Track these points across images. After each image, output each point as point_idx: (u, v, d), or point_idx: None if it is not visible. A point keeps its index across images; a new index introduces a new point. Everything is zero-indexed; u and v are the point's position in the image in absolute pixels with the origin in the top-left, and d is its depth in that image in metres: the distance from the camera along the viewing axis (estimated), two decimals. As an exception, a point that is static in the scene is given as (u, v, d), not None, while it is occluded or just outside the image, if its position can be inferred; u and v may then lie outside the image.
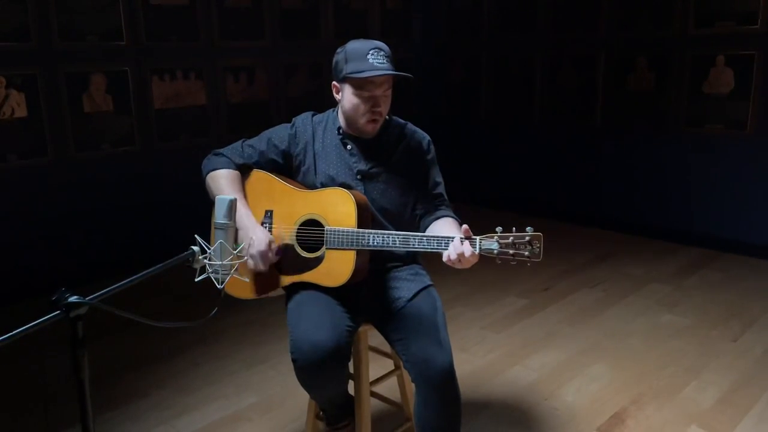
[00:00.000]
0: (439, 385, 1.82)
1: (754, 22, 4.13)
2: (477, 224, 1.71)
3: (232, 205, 1.45)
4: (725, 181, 4.44)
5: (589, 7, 4.88)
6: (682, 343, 3.17)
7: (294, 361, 1.81)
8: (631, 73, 4.77)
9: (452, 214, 2.01)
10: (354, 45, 1.89)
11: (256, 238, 1.85)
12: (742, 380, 2.80)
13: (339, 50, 1.92)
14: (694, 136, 4.53)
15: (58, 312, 1.17)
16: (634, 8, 4.67)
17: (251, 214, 1.93)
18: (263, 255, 1.85)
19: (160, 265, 1.36)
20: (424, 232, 1.97)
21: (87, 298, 1.19)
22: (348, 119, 1.95)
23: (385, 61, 1.84)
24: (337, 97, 1.96)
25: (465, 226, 1.71)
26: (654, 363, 2.98)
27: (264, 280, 1.97)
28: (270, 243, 1.87)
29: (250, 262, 1.87)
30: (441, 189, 2.08)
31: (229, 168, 1.99)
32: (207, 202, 1.99)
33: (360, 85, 1.86)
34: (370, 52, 1.84)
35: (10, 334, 1.10)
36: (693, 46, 4.42)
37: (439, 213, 2.00)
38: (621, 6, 4.72)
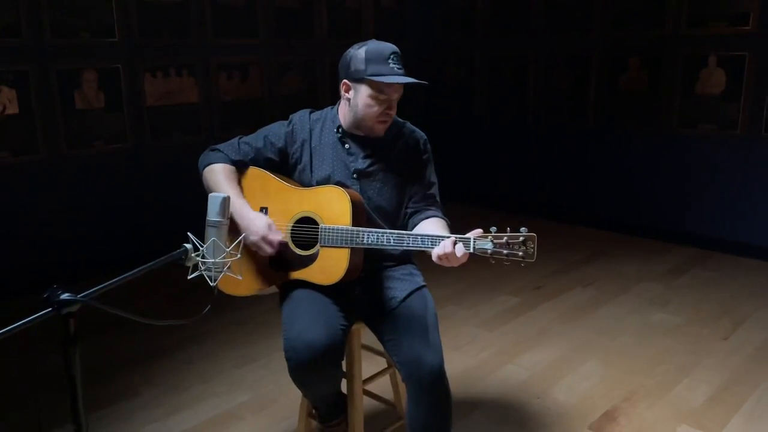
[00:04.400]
0: (430, 385, 1.83)
1: (746, 23, 4.15)
2: (470, 223, 1.72)
3: (225, 203, 1.44)
4: (717, 181, 4.46)
5: (583, 7, 4.89)
6: (674, 341, 3.19)
7: (288, 359, 1.81)
8: (624, 73, 4.79)
9: (441, 215, 2.01)
10: (374, 46, 1.88)
11: (254, 224, 1.86)
12: (733, 378, 2.82)
13: (354, 49, 1.90)
14: (686, 136, 4.55)
15: (50, 309, 1.16)
16: (627, 8, 4.68)
17: (246, 203, 1.92)
18: (265, 238, 1.85)
19: (153, 262, 1.36)
20: (411, 230, 1.97)
21: (79, 296, 1.18)
22: (358, 119, 1.94)
23: (402, 66, 1.87)
24: (347, 95, 1.94)
25: (479, 230, 1.70)
26: (645, 361, 2.99)
27: (258, 277, 1.97)
28: (269, 225, 1.87)
29: (264, 248, 1.87)
30: (434, 190, 2.08)
31: (225, 163, 1.99)
32: (200, 199, 1.98)
33: (380, 89, 1.86)
34: (391, 56, 1.85)
35: (2, 331, 1.10)
36: (685, 46, 4.44)
37: (428, 213, 2.01)
38: (614, 6, 4.74)
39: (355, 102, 1.91)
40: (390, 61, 1.85)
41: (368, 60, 1.85)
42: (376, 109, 1.88)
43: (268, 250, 1.87)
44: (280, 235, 1.89)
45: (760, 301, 3.65)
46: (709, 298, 3.71)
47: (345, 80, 1.93)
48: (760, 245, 4.31)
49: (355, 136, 1.99)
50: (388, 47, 1.87)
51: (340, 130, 2.00)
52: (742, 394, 2.70)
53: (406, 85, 1.87)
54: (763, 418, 2.52)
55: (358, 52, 1.88)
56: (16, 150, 3.77)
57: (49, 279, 1.45)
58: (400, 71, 1.86)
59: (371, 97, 1.87)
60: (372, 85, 1.86)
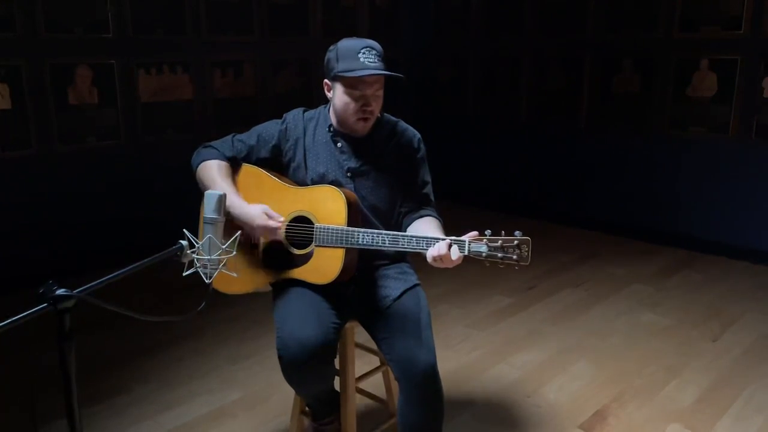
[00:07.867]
0: (422, 384, 1.83)
1: (738, 27, 4.19)
2: (462, 223, 1.73)
3: (221, 200, 1.45)
4: (707, 184, 4.50)
5: (576, 10, 4.92)
6: (663, 342, 3.21)
7: (280, 358, 1.81)
8: (616, 75, 4.81)
9: (435, 214, 2.02)
10: (346, 43, 1.88)
11: (251, 214, 1.86)
12: (722, 379, 2.85)
13: (331, 48, 1.92)
14: (677, 139, 4.58)
15: (45, 305, 1.16)
16: (621, 11, 4.71)
17: (242, 198, 1.92)
18: (262, 227, 1.85)
19: (148, 258, 1.36)
20: (405, 230, 1.98)
21: (74, 291, 1.18)
22: (339, 117, 1.95)
23: (376, 60, 1.84)
24: (329, 95, 1.96)
25: (474, 233, 1.72)
26: (635, 362, 3.01)
27: (252, 275, 1.98)
28: (265, 212, 1.87)
29: (268, 234, 1.88)
30: (428, 189, 2.08)
31: (219, 159, 1.99)
32: (194, 196, 1.99)
33: (351, 84, 1.86)
34: (362, 50, 1.83)
35: (-3, 326, 1.10)
36: (678, 49, 4.47)
37: (422, 212, 2.01)
38: (607, 9, 4.76)
39: (335, 101, 1.93)
40: (361, 55, 1.83)
41: (340, 57, 1.86)
42: (352, 106, 1.88)
43: (272, 236, 1.88)
44: (280, 217, 1.88)
45: (749, 303, 3.68)
46: (698, 300, 3.74)
47: (325, 80, 1.96)
48: (749, 248, 4.35)
49: (346, 135, 1.99)
50: (361, 42, 1.86)
51: (331, 129, 2.00)
52: (730, 395, 2.72)
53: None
54: (750, 419, 2.55)
55: (333, 51, 1.90)
56: (7, 145, 3.75)
57: (43, 275, 1.45)
58: (373, 65, 1.83)
59: (346, 93, 1.88)
60: (344, 81, 1.87)
